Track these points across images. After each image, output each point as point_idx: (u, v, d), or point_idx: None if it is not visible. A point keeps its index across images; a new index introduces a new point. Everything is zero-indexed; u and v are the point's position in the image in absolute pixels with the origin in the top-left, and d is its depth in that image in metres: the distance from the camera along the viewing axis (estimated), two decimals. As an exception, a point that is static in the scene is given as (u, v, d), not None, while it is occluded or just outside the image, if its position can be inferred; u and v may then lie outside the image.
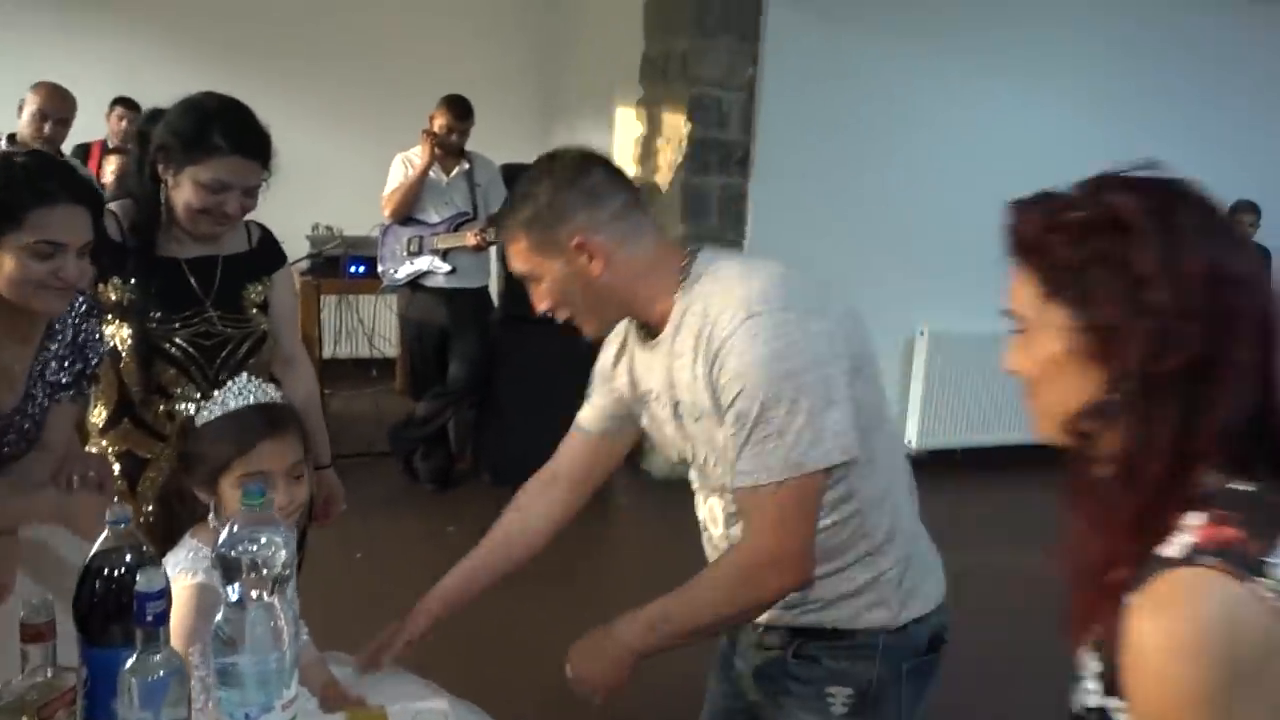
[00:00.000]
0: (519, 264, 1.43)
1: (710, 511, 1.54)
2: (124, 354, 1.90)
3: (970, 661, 3.29)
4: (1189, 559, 0.84)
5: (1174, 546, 0.86)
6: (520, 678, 3.02)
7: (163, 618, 1.08)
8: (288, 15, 6.12)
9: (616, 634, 1.42)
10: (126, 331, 1.89)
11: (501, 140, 5.50)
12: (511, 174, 4.72)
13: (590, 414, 1.64)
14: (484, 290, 4.64)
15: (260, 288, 2.05)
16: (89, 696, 1.14)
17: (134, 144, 1.96)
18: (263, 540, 1.25)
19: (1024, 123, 5.19)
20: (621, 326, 1.57)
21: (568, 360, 4.69)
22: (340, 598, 3.47)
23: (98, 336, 1.73)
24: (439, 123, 4.45)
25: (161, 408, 1.94)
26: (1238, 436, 0.88)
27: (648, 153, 4.93)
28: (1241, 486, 0.88)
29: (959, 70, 5.02)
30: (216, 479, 1.59)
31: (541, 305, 1.46)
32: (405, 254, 4.49)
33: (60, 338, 1.67)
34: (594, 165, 1.43)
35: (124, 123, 4.86)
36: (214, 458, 1.58)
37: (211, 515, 1.63)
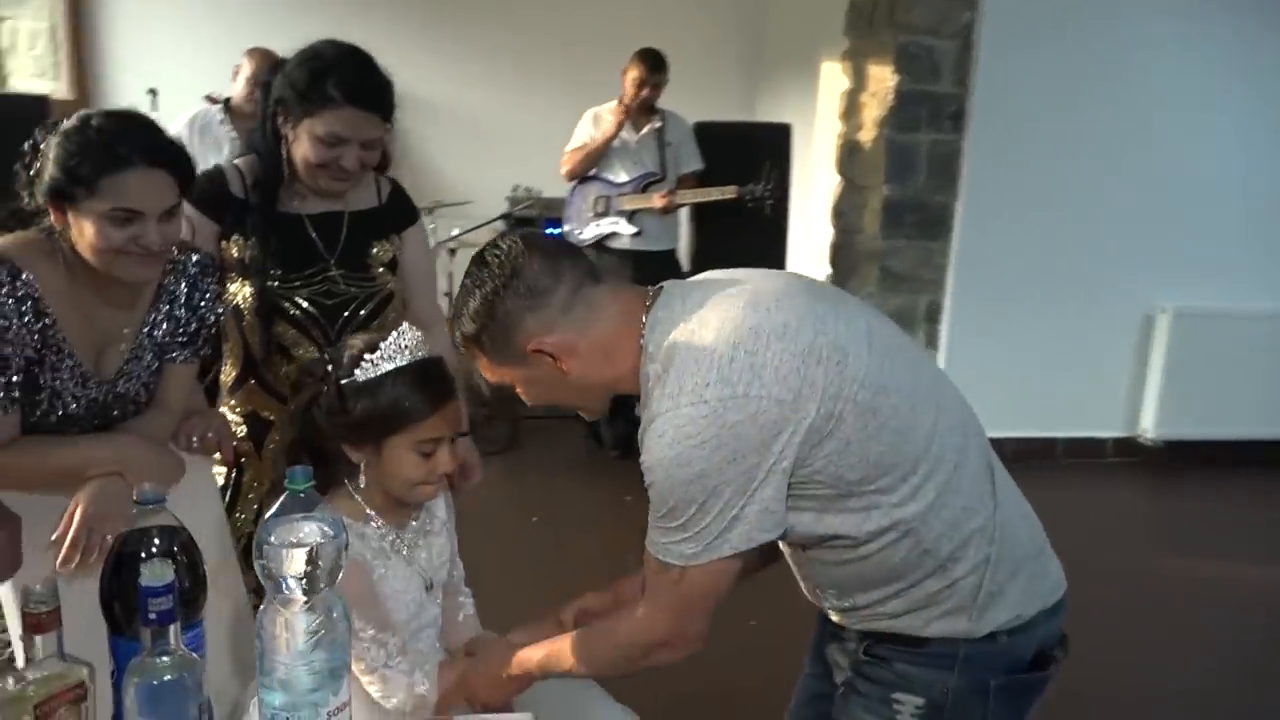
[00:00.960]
0: (490, 376, 1.36)
1: None
2: (246, 313, 1.86)
3: (1174, 684, 2.85)
4: None
5: None
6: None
7: (168, 616, 0.98)
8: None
9: (513, 659, 1.44)
10: (248, 290, 1.85)
11: (704, 98, 5.31)
12: (706, 132, 4.52)
13: None
14: (670, 254, 4.48)
15: (388, 245, 1.96)
16: (117, 689, 1.06)
17: (259, 97, 1.90)
18: (306, 531, 1.13)
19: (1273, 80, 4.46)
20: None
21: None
22: (513, 560, 3.45)
23: (214, 296, 1.68)
24: (631, 76, 4.29)
25: (283, 369, 1.89)
26: None
27: (852, 108, 4.57)
28: None
29: (1202, 26, 4.36)
30: (382, 441, 1.48)
31: (533, 403, 1.39)
32: (592, 214, 4.39)
33: (174, 298, 1.62)
34: (527, 257, 1.28)
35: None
36: (390, 417, 1.46)
37: (362, 479, 1.53)
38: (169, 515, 1.10)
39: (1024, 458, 4.68)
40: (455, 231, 5.23)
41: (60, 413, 1.50)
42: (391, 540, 1.55)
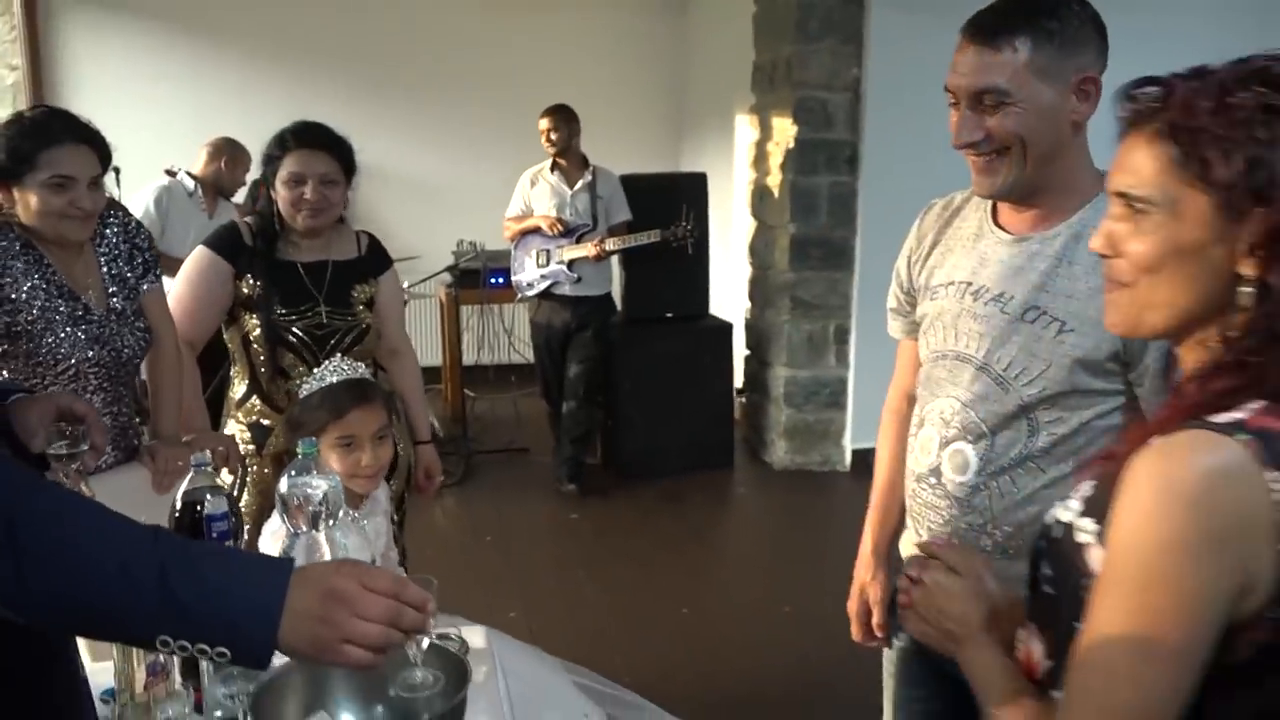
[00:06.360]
0: (997, 74, 1.32)
1: (947, 428, 1.49)
2: (254, 341, 2.30)
3: None
4: (1225, 428, 0.84)
5: (1222, 417, 0.85)
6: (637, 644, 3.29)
7: (227, 536, 1.39)
8: (431, 51, 6.58)
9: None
10: (255, 321, 2.29)
11: (634, 151, 5.83)
12: (632, 184, 4.93)
13: (897, 324, 1.74)
14: (606, 296, 4.90)
15: (367, 288, 2.43)
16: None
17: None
18: (313, 483, 1.55)
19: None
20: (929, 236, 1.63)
21: (685, 358, 4.97)
22: (468, 570, 3.83)
23: (146, 238, 2.15)
24: (541, 127, 4.75)
25: (284, 386, 2.34)
26: None
27: (760, 156, 5.10)
28: None
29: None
30: (317, 439, 1.85)
31: (978, 134, 1.36)
32: (537, 266, 4.81)
33: (106, 248, 2.08)
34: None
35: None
36: (314, 422, 1.90)
37: None
38: (211, 476, 1.51)
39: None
40: (405, 284, 5.61)
41: (74, 358, 1.94)
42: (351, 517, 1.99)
